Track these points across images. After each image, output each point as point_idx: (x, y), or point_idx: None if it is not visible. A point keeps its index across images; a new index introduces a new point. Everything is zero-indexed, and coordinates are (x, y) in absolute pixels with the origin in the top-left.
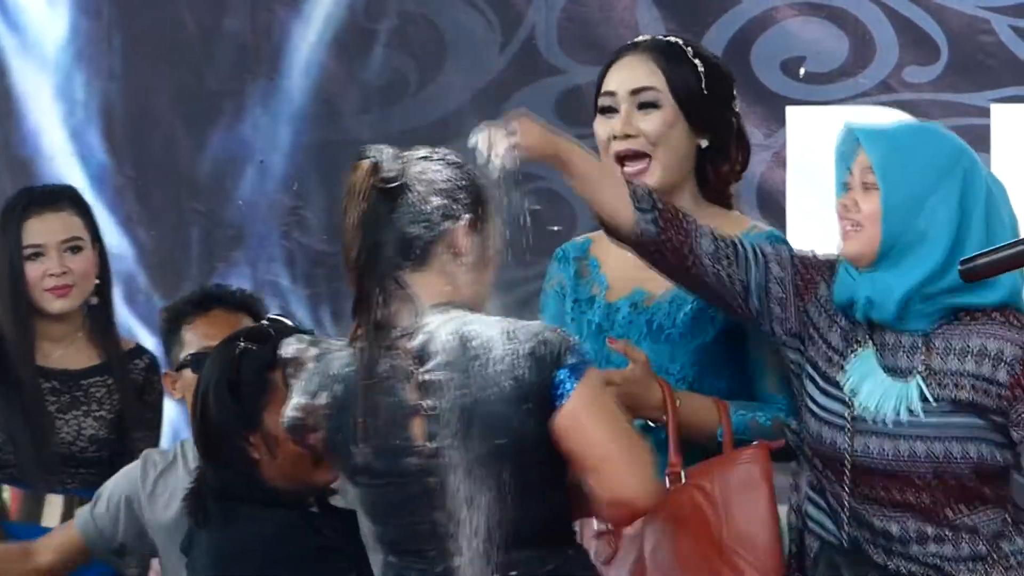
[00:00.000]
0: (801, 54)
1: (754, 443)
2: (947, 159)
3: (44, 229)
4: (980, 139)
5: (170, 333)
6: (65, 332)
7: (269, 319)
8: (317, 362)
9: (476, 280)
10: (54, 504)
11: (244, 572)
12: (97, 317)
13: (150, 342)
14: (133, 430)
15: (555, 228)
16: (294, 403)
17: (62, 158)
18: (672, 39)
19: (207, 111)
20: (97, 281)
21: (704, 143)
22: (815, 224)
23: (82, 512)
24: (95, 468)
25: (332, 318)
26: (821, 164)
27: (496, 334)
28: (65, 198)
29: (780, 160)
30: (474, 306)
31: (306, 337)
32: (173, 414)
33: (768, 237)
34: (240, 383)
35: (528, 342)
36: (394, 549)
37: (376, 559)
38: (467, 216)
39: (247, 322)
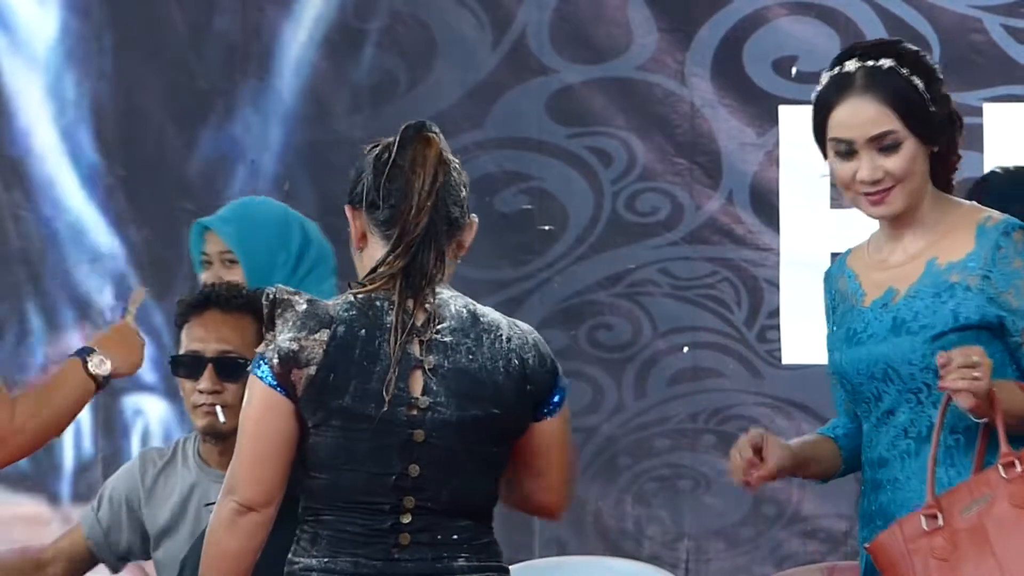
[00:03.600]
0: (793, 53)
1: None
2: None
3: None
4: (972, 139)
5: (178, 329)
6: None
7: None
8: (310, 305)
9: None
10: None
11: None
12: None
13: None
14: None
15: (547, 228)
16: (289, 336)
17: (53, 157)
18: (884, 62)
19: (198, 110)
20: None
21: (936, 148)
22: (807, 222)
23: (87, 515)
24: None
25: None
26: (813, 163)
27: (500, 318)
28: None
29: (773, 159)
30: None
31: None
32: (166, 414)
33: (1005, 227)
34: None
35: (530, 335)
36: (340, 500)
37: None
38: (474, 218)
39: (245, 323)
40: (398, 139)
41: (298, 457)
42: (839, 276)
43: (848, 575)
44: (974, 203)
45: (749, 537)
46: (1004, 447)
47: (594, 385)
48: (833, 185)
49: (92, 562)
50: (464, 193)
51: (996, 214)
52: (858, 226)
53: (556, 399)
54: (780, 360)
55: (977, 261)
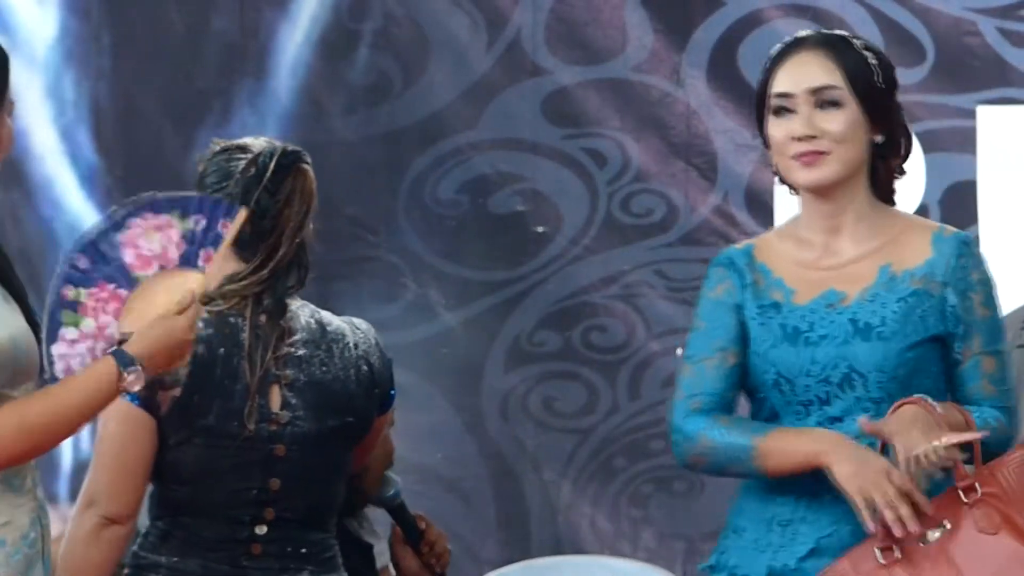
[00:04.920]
0: None
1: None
2: None
3: None
4: (966, 141)
5: None
6: None
7: None
8: None
9: None
10: None
11: None
12: None
13: None
14: None
15: (540, 229)
16: None
17: (52, 157)
18: (839, 32)
19: (196, 111)
20: None
21: (879, 139)
22: None
23: None
24: None
25: None
26: None
27: (342, 324)
28: None
29: (768, 161)
30: None
31: None
32: None
33: (965, 237)
34: None
35: (372, 335)
36: (200, 510)
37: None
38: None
39: None
40: (272, 164)
41: (154, 470)
42: (751, 270)
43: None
44: (914, 214)
45: None
46: (961, 469)
47: (589, 387)
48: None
49: None
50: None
51: (945, 225)
52: None
53: (393, 393)
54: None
55: (937, 269)
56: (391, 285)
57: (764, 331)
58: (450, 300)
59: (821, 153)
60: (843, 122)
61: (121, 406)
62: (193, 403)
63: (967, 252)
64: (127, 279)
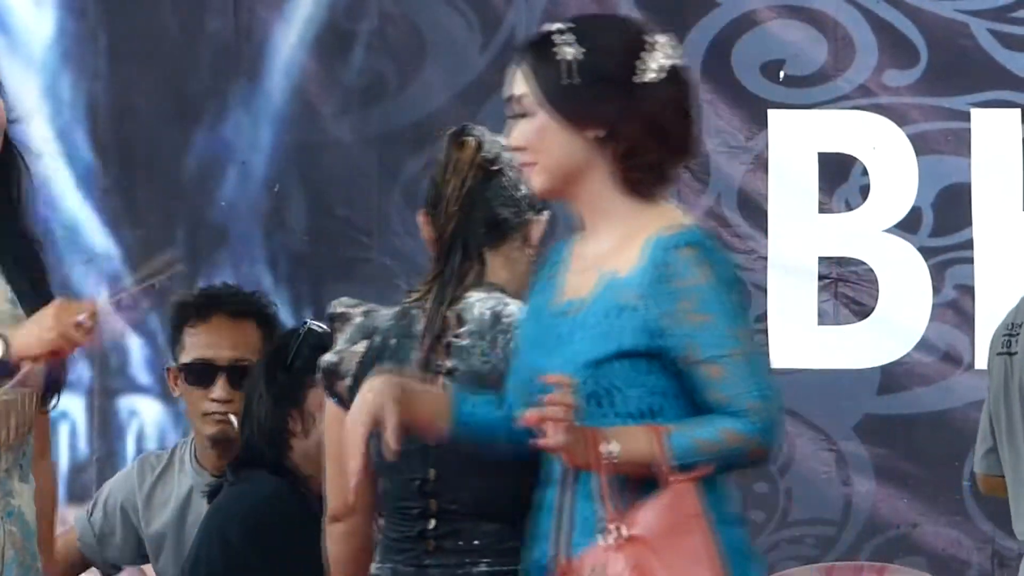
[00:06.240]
0: (781, 57)
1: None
2: None
3: None
4: (960, 143)
5: (174, 329)
6: None
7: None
8: (364, 317)
9: (527, 272)
10: None
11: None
12: None
13: (136, 343)
14: None
15: None
16: (336, 349)
17: (49, 158)
18: (549, 28)
19: (191, 111)
20: None
21: (598, 134)
22: (795, 227)
23: (80, 518)
24: None
25: (315, 319)
26: (802, 167)
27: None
28: None
29: (761, 163)
30: (517, 295)
31: (354, 300)
32: (161, 415)
33: (677, 241)
34: (295, 359)
35: None
36: (387, 506)
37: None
38: (546, 212)
39: (249, 329)
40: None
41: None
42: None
43: (847, 574)
44: (676, 209)
45: None
46: (607, 508)
47: None
48: (821, 189)
49: (84, 565)
50: (519, 192)
51: (681, 224)
52: (846, 231)
53: None
54: (768, 365)
55: (641, 279)
56: (384, 287)
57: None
58: None
59: (530, 164)
60: (529, 131)
61: (327, 405)
62: None
63: (673, 259)
64: None
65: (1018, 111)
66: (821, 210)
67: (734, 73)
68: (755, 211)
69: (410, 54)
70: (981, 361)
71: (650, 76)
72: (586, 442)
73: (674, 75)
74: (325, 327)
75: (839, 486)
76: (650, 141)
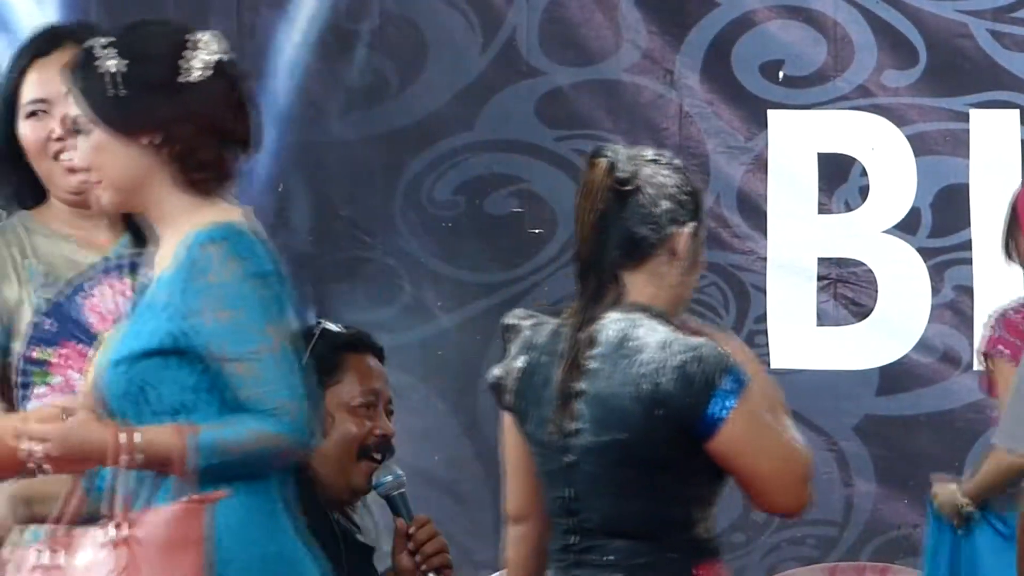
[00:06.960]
0: (781, 57)
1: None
2: None
3: None
4: (959, 144)
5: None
6: None
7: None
8: (531, 330)
9: (682, 283)
10: None
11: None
12: None
13: None
14: None
15: (536, 231)
16: (501, 364)
17: None
18: (91, 44)
19: None
20: None
21: (152, 140)
22: (795, 227)
23: None
24: None
25: (318, 318)
26: (802, 167)
27: (654, 341)
28: None
29: (761, 163)
30: (671, 309)
31: (527, 311)
32: None
33: (204, 238)
34: (310, 359)
35: (680, 355)
36: (551, 517)
37: None
38: (691, 223)
39: None
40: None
41: None
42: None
43: (850, 575)
44: (230, 205)
45: (740, 543)
46: (115, 503)
47: None
48: (821, 190)
49: None
50: (659, 208)
51: (218, 220)
52: (845, 231)
53: (712, 413)
54: (768, 365)
55: (174, 276)
56: (387, 287)
57: None
58: (446, 302)
59: (97, 182)
60: (88, 150)
61: (504, 415)
62: (521, 408)
63: (201, 255)
64: (88, 336)
65: (1017, 112)
66: (820, 211)
67: (734, 73)
68: (755, 211)
69: (411, 54)
70: (979, 362)
71: (195, 75)
72: (104, 435)
73: (220, 70)
74: (339, 327)
75: (840, 487)
76: (204, 138)
